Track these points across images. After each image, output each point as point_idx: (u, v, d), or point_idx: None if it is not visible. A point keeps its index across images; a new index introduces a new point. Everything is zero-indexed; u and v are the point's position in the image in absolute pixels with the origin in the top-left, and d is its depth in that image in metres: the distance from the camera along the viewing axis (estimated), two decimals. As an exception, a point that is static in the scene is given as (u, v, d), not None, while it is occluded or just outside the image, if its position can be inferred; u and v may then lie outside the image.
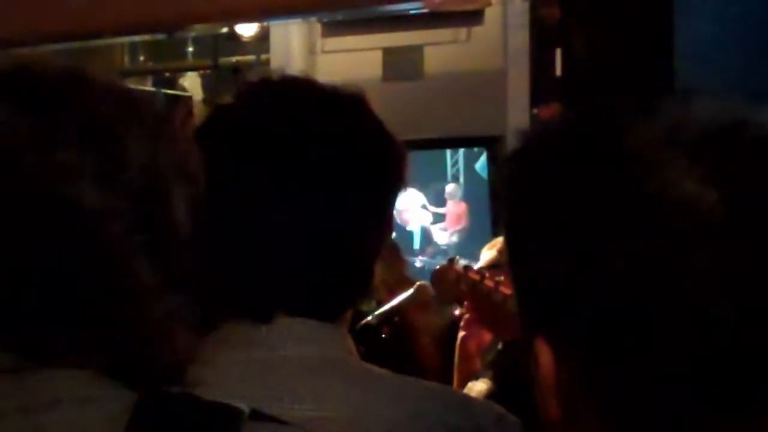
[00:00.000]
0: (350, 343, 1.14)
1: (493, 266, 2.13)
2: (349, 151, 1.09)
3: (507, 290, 1.62)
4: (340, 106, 1.11)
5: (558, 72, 3.65)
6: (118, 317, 0.76)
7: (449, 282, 1.69)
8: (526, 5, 3.71)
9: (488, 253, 2.36)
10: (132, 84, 4.66)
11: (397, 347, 2.88)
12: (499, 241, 2.51)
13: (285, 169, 1.06)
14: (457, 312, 2.28)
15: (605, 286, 0.59)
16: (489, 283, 1.65)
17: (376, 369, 1.13)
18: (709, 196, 0.58)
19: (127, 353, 0.77)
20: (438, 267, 1.77)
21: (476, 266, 2.05)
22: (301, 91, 1.13)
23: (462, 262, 1.76)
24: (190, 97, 4.72)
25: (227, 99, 1.15)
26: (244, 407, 0.77)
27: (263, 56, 4.47)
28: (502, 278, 1.73)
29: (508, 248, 0.70)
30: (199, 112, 4.46)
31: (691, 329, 0.58)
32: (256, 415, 0.77)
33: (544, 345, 0.64)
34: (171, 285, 0.78)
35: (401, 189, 1.15)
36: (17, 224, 0.72)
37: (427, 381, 1.19)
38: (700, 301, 0.57)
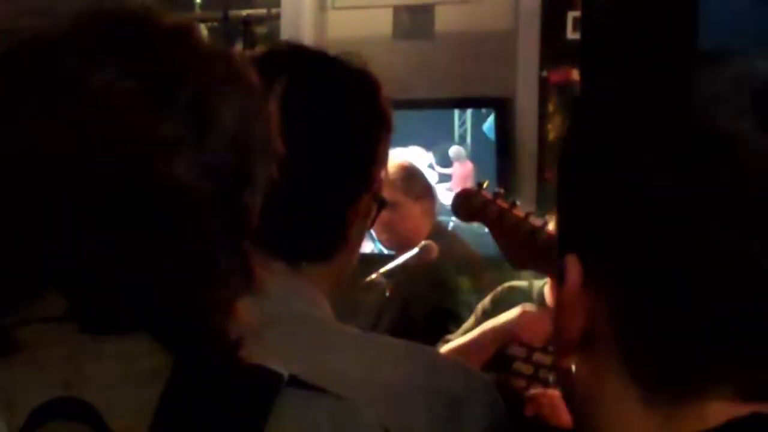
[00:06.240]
0: (320, 299, 1.14)
1: None
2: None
3: (538, 222, 1.53)
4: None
5: (569, 35, 3.62)
6: (190, 298, 0.74)
7: (474, 207, 1.57)
8: (539, -34, 3.67)
9: None
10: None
11: (401, 306, 2.90)
12: None
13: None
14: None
15: (649, 218, 0.61)
16: (519, 213, 1.54)
17: (345, 326, 1.14)
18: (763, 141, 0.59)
19: (191, 329, 0.75)
20: (462, 189, 1.65)
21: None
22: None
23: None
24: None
25: None
26: (284, 372, 0.76)
27: (274, 10, 4.44)
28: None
29: (561, 171, 0.71)
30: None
31: (716, 271, 0.59)
32: (294, 381, 0.76)
33: (575, 262, 0.65)
34: (238, 268, 0.77)
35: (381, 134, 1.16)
36: (103, 193, 0.71)
37: (395, 339, 1.19)
38: (732, 241, 0.59)
